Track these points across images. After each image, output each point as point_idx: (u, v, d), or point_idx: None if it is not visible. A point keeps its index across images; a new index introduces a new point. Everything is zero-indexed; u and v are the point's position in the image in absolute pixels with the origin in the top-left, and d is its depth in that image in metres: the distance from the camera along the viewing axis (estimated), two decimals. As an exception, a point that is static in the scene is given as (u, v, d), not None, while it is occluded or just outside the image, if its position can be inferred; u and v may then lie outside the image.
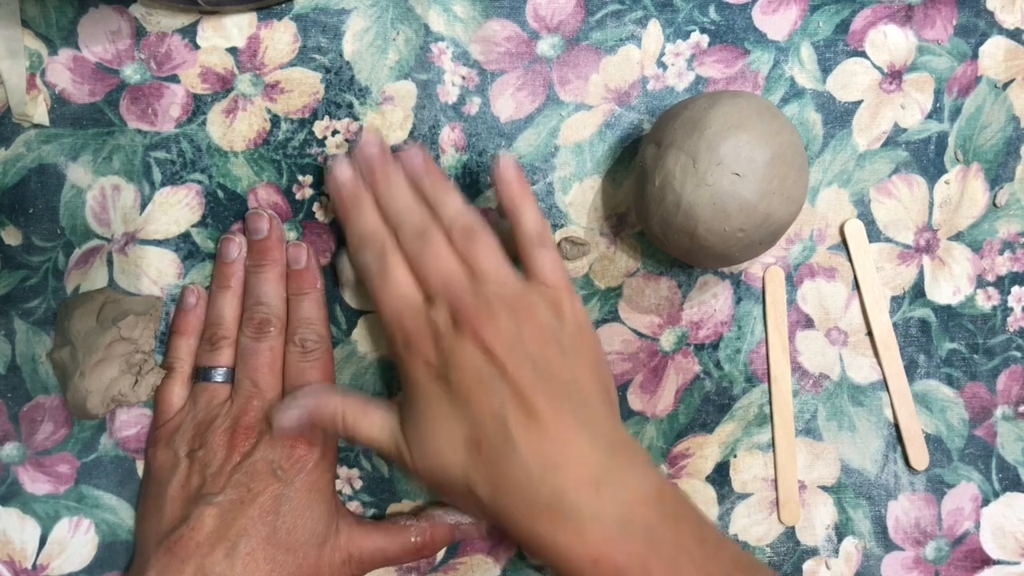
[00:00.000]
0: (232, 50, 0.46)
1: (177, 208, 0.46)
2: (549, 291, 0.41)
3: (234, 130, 0.46)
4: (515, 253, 0.42)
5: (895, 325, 0.48)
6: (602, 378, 0.41)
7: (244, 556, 0.40)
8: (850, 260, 0.48)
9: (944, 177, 0.48)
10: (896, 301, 0.48)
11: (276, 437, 0.43)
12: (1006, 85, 0.48)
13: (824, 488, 0.48)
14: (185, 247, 0.46)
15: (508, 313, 0.39)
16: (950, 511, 0.48)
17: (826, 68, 0.47)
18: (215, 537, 0.41)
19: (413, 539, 0.45)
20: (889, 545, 0.48)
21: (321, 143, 0.46)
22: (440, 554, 0.47)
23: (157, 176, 0.46)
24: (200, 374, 0.45)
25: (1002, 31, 0.48)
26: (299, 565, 0.41)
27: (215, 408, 0.44)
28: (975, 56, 0.48)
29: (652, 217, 0.42)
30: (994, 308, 0.49)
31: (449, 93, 0.46)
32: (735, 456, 0.48)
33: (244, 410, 0.43)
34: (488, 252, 0.41)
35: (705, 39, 0.47)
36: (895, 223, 0.48)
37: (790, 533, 0.48)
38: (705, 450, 0.48)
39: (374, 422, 0.41)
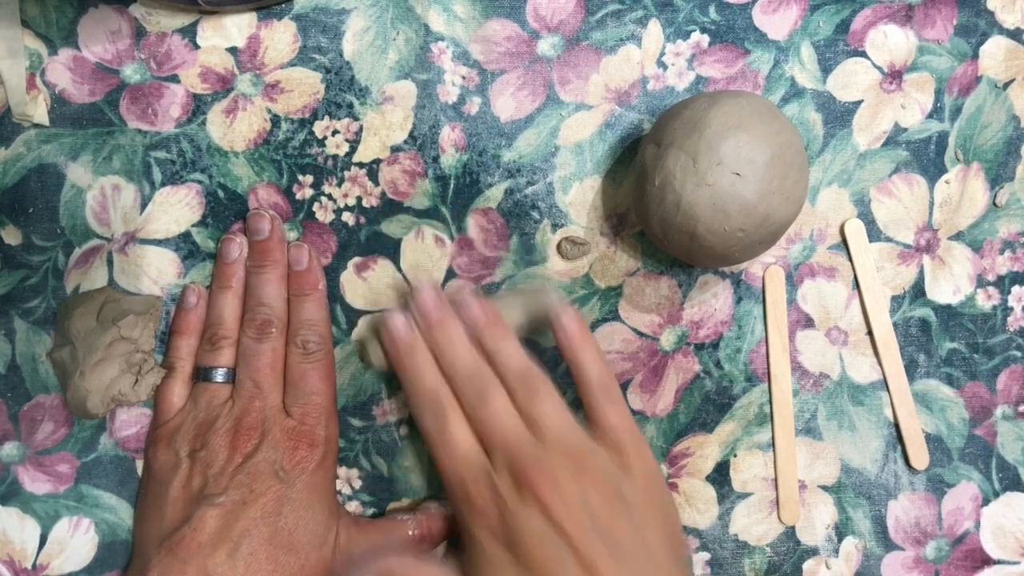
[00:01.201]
0: (232, 50, 0.46)
1: (177, 208, 0.46)
2: (615, 445, 0.40)
3: (234, 130, 0.46)
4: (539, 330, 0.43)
5: (895, 325, 0.48)
6: (672, 537, 0.40)
7: (246, 556, 0.40)
8: (850, 260, 0.48)
9: (944, 177, 0.48)
10: (896, 301, 0.48)
11: (277, 435, 0.43)
12: (1006, 85, 0.48)
13: (824, 488, 0.48)
14: (185, 247, 0.46)
15: (571, 474, 0.39)
16: (950, 511, 0.48)
17: (826, 68, 0.47)
18: (217, 538, 0.41)
19: (411, 533, 0.45)
20: (889, 545, 0.48)
21: (321, 143, 0.46)
22: (440, 552, 0.47)
23: (157, 176, 0.46)
24: (200, 374, 0.45)
25: (1002, 31, 0.48)
26: (300, 566, 0.41)
27: (216, 408, 0.44)
28: (975, 56, 0.48)
29: (652, 217, 0.42)
30: (994, 308, 0.49)
31: (449, 93, 0.46)
32: (735, 455, 0.48)
33: (246, 411, 0.43)
34: (549, 406, 0.40)
35: (705, 39, 0.47)
36: (895, 223, 0.48)
37: (790, 533, 0.48)
38: (705, 449, 0.48)
39: None
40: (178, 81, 0.46)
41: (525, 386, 0.41)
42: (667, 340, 0.48)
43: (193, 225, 0.46)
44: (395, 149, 0.46)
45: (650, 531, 0.39)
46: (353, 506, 0.47)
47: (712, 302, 0.48)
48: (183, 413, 0.44)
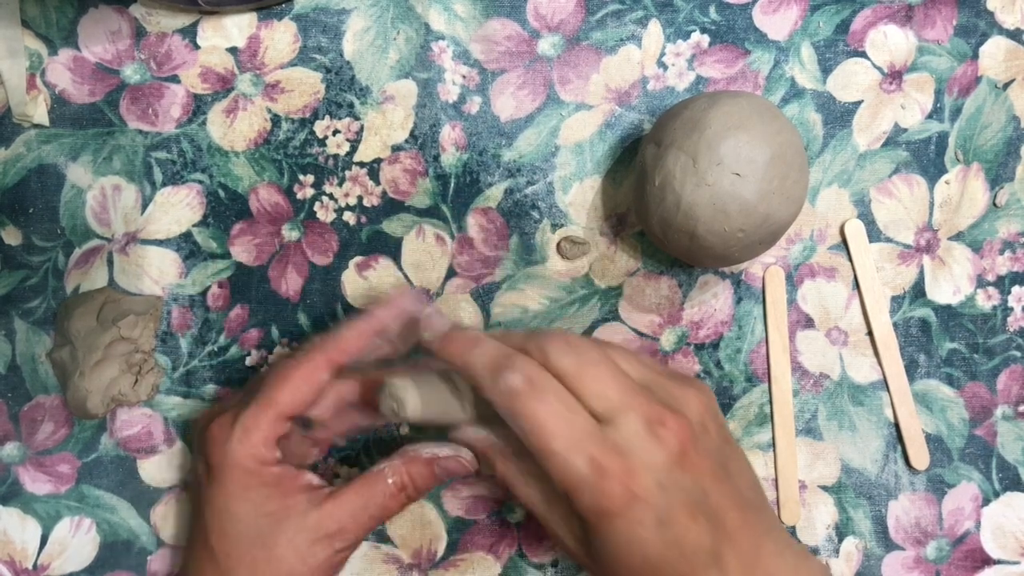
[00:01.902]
0: (232, 50, 0.46)
1: (178, 208, 0.46)
2: (695, 382, 0.40)
3: (235, 130, 0.46)
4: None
5: (895, 325, 0.48)
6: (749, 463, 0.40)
7: (187, 563, 0.41)
8: (850, 260, 0.48)
9: (944, 177, 0.48)
10: (896, 301, 0.48)
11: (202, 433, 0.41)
12: (1006, 85, 0.48)
13: (824, 488, 0.48)
14: (187, 247, 0.46)
15: (691, 411, 0.37)
16: (950, 511, 0.48)
17: (826, 68, 0.47)
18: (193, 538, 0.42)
19: (389, 481, 0.40)
20: (890, 545, 0.48)
21: (322, 143, 0.46)
22: (440, 551, 0.47)
23: (158, 176, 0.46)
24: None
25: (1002, 31, 0.48)
26: (251, 571, 0.39)
27: None
28: (975, 56, 0.48)
29: (652, 217, 0.42)
30: (994, 308, 0.49)
31: (450, 92, 0.46)
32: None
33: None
34: (638, 363, 0.39)
35: (705, 39, 0.47)
36: (895, 223, 0.48)
37: (791, 532, 0.48)
38: (705, 450, 0.48)
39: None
40: (178, 81, 0.46)
41: (619, 352, 0.39)
42: (667, 340, 0.48)
43: (194, 225, 0.46)
44: (396, 148, 0.46)
45: (742, 463, 0.39)
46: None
47: (712, 302, 0.48)
48: None
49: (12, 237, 0.46)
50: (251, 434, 0.39)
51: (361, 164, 0.46)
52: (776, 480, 0.48)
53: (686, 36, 0.47)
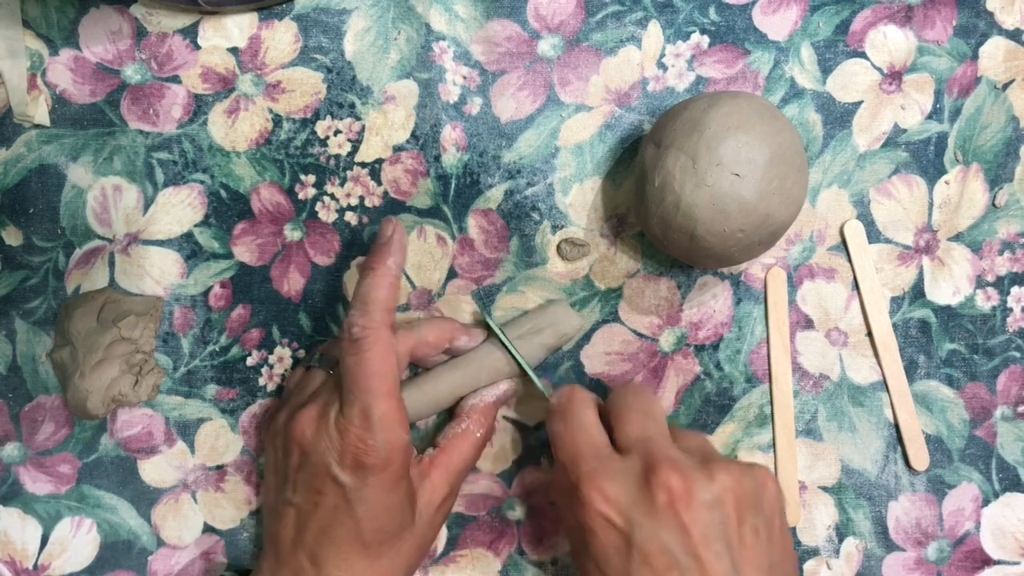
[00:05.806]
0: (233, 50, 0.46)
1: (180, 208, 0.46)
2: (748, 471, 0.38)
3: (236, 130, 0.46)
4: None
5: (895, 325, 0.48)
6: (794, 560, 0.39)
7: (331, 560, 0.39)
8: (850, 261, 0.48)
9: (944, 178, 0.48)
10: (896, 302, 0.48)
11: (332, 434, 0.40)
12: (1006, 86, 0.48)
13: (825, 488, 0.48)
14: (188, 247, 0.46)
15: (708, 484, 0.36)
16: (951, 511, 0.48)
17: (826, 68, 0.47)
18: (296, 541, 0.40)
19: (477, 435, 0.44)
20: (890, 545, 0.48)
21: (323, 143, 0.46)
22: (440, 546, 0.47)
23: (159, 176, 0.46)
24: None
25: (1002, 32, 0.48)
26: (398, 551, 0.40)
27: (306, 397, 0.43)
28: (975, 57, 0.48)
29: (652, 217, 0.42)
30: (994, 308, 0.49)
31: (450, 92, 0.46)
32: (736, 457, 0.48)
33: (303, 402, 0.42)
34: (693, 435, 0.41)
35: (705, 40, 0.47)
36: (895, 224, 0.48)
37: (791, 533, 0.48)
38: (706, 450, 0.48)
39: None
40: (179, 81, 0.46)
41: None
42: (666, 341, 0.48)
43: (196, 225, 0.46)
44: (397, 148, 0.46)
45: (775, 538, 0.38)
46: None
47: (712, 303, 0.48)
48: (289, 397, 0.44)
49: (13, 237, 0.46)
50: (394, 429, 0.40)
51: (362, 164, 0.46)
52: (776, 480, 0.48)
53: (686, 37, 0.47)
